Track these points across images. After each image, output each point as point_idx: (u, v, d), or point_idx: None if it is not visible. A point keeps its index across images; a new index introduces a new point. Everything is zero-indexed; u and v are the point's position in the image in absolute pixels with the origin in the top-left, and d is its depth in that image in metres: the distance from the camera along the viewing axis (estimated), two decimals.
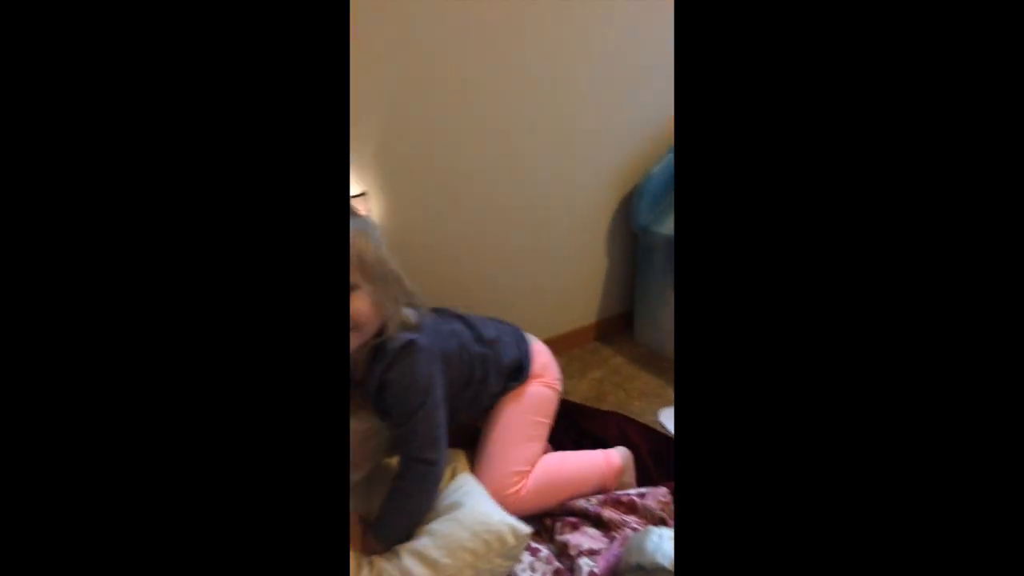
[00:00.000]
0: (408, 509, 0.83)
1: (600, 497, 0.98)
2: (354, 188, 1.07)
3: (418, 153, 1.11)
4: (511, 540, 0.80)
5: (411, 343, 0.80)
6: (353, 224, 0.78)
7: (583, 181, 1.33)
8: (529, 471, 0.95)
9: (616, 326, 1.56)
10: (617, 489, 1.01)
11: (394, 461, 0.93)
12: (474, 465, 0.96)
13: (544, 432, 1.01)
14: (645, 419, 1.22)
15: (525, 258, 1.34)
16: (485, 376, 0.93)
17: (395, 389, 0.80)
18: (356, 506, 0.89)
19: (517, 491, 0.92)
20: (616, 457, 1.03)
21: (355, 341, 0.78)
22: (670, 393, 1.33)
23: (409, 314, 0.84)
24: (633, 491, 0.99)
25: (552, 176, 1.27)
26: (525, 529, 0.82)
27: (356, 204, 0.95)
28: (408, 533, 0.82)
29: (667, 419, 1.24)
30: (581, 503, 0.96)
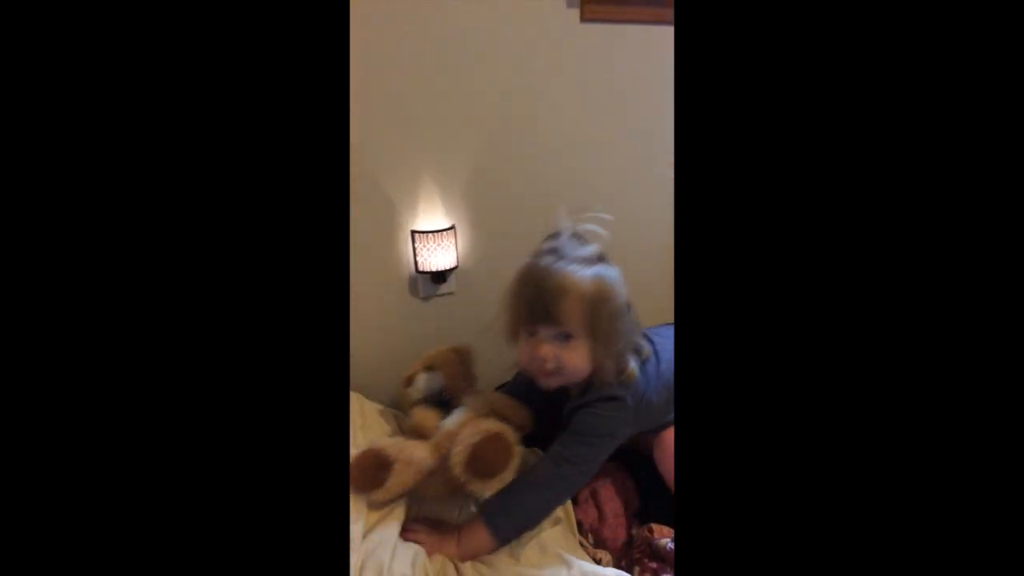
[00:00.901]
0: (530, 503, 0.79)
1: None
2: (443, 222, 1.08)
3: (507, 188, 1.12)
4: None
5: (615, 400, 0.78)
6: (600, 271, 0.74)
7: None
8: None
9: None
10: None
11: None
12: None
13: None
14: None
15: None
16: None
17: (578, 425, 0.79)
18: (431, 512, 0.85)
19: None
20: None
21: (555, 382, 0.79)
22: None
23: (632, 366, 0.80)
24: None
25: (649, 215, 1.25)
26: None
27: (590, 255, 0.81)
28: (523, 527, 0.78)
29: None
30: (666, 543, 0.88)
